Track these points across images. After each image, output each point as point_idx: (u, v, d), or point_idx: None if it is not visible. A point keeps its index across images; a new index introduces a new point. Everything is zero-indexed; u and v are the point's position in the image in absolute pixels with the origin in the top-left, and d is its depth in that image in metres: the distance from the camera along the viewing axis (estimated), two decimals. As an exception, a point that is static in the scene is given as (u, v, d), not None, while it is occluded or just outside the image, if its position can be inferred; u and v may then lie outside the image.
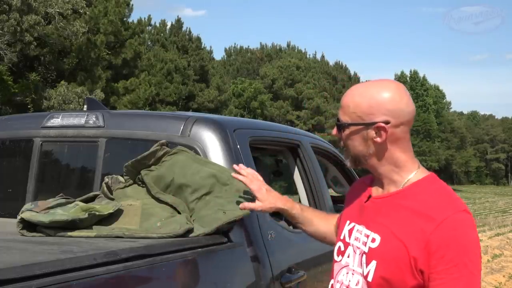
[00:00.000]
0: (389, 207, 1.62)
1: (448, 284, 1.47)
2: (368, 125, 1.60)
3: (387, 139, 1.60)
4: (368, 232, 1.62)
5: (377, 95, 1.60)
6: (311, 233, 2.08)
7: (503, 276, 9.51)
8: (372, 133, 1.60)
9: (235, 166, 2.13)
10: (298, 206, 2.06)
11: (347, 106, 1.65)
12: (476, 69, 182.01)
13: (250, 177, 2.06)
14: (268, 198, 2.01)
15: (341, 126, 1.66)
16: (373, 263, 1.56)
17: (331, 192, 3.62)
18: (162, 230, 2.08)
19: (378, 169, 1.66)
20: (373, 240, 1.59)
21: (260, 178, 2.09)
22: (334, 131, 1.71)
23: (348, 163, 1.72)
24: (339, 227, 1.82)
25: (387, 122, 1.58)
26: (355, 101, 1.63)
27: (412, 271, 1.50)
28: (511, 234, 16.68)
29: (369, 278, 1.56)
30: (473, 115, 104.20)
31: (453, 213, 1.51)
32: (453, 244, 1.47)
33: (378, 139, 1.60)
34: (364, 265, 1.59)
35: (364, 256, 1.60)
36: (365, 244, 1.62)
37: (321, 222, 2.07)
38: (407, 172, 1.63)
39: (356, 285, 1.62)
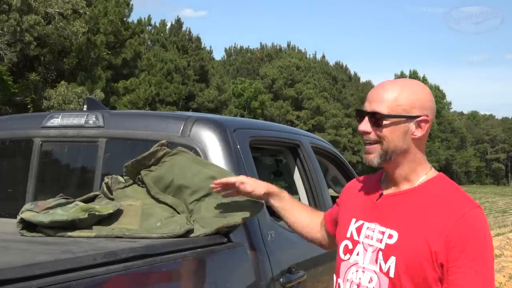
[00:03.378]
0: (404, 203, 1.64)
1: (468, 277, 1.51)
2: (411, 118, 1.62)
3: (422, 135, 1.64)
4: (383, 229, 1.63)
5: (421, 91, 1.65)
6: (293, 222, 2.10)
7: (503, 276, 9.51)
8: (412, 127, 1.63)
9: (215, 182, 2.12)
10: (287, 194, 2.12)
11: (387, 98, 1.62)
12: (476, 69, 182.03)
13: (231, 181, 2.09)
14: (256, 182, 2.10)
15: (382, 117, 1.61)
16: (392, 259, 1.58)
17: (331, 192, 3.62)
18: (162, 230, 2.08)
19: (403, 166, 1.66)
20: (390, 236, 1.60)
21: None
22: (365, 125, 1.64)
23: (375, 160, 1.65)
24: (340, 227, 1.81)
25: (427, 117, 1.63)
26: (396, 94, 1.63)
27: (433, 265, 1.54)
28: (511, 234, 16.68)
29: (391, 274, 1.58)
30: (473, 115, 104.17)
31: (470, 209, 1.56)
32: (472, 238, 1.52)
33: (418, 134, 1.63)
34: (382, 261, 1.60)
35: (381, 253, 1.61)
36: (380, 241, 1.62)
37: (306, 214, 2.10)
38: (423, 170, 1.67)
39: (369, 282, 1.63)
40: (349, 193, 1.88)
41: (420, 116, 1.63)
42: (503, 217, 25.30)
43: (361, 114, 1.66)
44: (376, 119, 1.62)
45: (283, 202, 2.08)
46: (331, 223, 1.97)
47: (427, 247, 1.54)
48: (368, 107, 1.65)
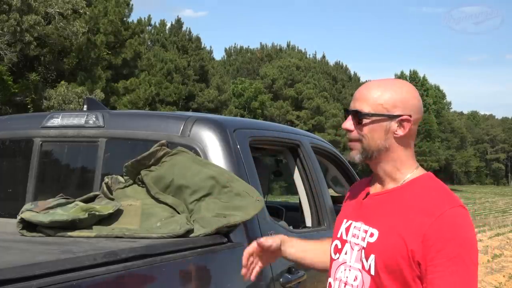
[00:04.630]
0: (387, 202, 1.65)
1: (445, 277, 1.49)
2: (392, 117, 1.63)
3: (406, 134, 1.64)
4: (366, 227, 1.65)
5: (404, 90, 1.65)
6: (310, 262, 1.97)
7: (503, 276, 9.51)
8: (394, 126, 1.63)
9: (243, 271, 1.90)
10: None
11: (370, 97, 1.64)
12: (476, 69, 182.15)
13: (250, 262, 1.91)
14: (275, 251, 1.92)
15: (361, 116, 1.63)
16: (372, 257, 1.59)
17: (331, 192, 3.62)
18: (162, 230, 2.08)
19: (385, 164, 1.67)
20: (372, 234, 1.62)
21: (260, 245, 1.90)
22: (348, 123, 1.67)
23: (356, 157, 1.68)
24: (335, 228, 1.82)
25: (410, 116, 1.63)
26: (378, 93, 1.64)
27: (410, 263, 1.53)
28: (511, 234, 16.69)
29: (372, 272, 1.59)
30: (473, 115, 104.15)
31: (450, 208, 1.54)
32: (451, 238, 1.50)
33: (400, 133, 1.63)
34: (364, 260, 1.62)
35: (363, 251, 1.63)
36: (363, 239, 1.64)
37: (320, 249, 1.96)
38: (408, 169, 1.67)
39: (354, 280, 1.64)
40: (348, 195, 1.90)
41: (402, 115, 1.62)
42: (503, 217, 25.31)
43: (346, 113, 1.70)
44: (357, 117, 1.65)
45: (296, 246, 1.95)
46: None
47: (403, 245, 1.53)
48: (352, 105, 1.68)
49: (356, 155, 1.68)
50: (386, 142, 1.64)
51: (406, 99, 1.64)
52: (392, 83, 1.68)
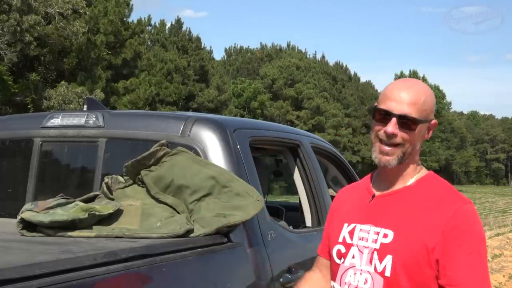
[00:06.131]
0: (398, 203, 1.66)
1: (467, 271, 1.54)
2: (429, 122, 1.66)
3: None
4: (377, 229, 1.65)
5: (433, 94, 1.68)
6: None
7: (503, 276, 9.51)
8: (426, 130, 1.67)
9: None
10: None
11: (417, 102, 1.60)
12: (476, 69, 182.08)
13: None
14: None
15: (414, 122, 1.59)
16: (388, 258, 1.59)
17: (331, 192, 3.62)
18: (162, 230, 2.08)
19: (406, 166, 1.67)
20: (385, 235, 1.62)
21: None
22: (393, 127, 1.59)
23: (393, 163, 1.62)
24: (332, 233, 1.81)
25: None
26: (423, 97, 1.63)
27: (429, 261, 1.56)
28: (511, 234, 16.68)
29: (387, 273, 1.59)
30: (473, 115, 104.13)
31: (463, 204, 1.59)
32: (467, 233, 1.56)
33: (427, 137, 1.68)
34: (377, 261, 1.62)
35: (376, 253, 1.62)
36: (375, 241, 1.64)
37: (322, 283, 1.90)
38: (416, 169, 1.71)
39: (365, 283, 1.64)
40: (339, 202, 1.89)
41: (432, 120, 1.66)
42: (503, 217, 25.29)
43: (386, 115, 1.61)
44: (408, 123, 1.60)
45: None
46: (328, 253, 1.86)
47: (423, 244, 1.56)
48: (396, 108, 1.60)
49: (393, 161, 1.62)
50: (418, 146, 1.66)
51: (434, 104, 1.67)
52: (425, 86, 1.67)
